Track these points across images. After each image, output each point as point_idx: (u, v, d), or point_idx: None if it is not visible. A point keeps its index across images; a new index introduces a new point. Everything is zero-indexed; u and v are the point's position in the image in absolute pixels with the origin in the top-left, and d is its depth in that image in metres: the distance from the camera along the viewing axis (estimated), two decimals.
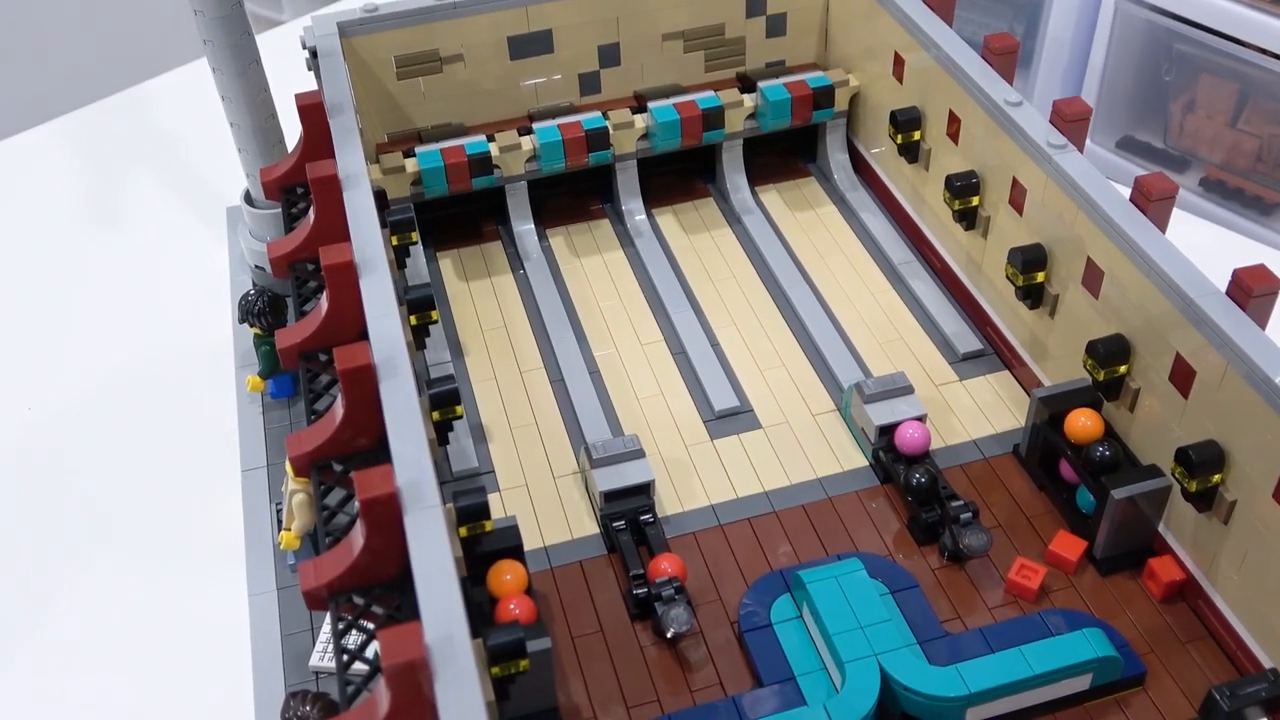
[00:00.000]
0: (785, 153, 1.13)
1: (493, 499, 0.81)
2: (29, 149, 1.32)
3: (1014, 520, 0.78)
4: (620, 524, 0.77)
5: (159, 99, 1.40)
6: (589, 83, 1.06)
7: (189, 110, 1.34)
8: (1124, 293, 0.75)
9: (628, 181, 1.06)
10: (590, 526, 0.79)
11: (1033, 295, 0.84)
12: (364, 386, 0.61)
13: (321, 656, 0.70)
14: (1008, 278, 0.85)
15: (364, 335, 0.65)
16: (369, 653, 0.54)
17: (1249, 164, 1.26)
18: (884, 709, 0.66)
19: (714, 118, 1.03)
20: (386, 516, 0.54)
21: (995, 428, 0.85)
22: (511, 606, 0.66)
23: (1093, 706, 0.68)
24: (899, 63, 0.99)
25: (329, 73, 0.88)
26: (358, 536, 0.55)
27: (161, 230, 1.19)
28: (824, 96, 1.05)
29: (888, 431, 0.81)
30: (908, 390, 0.83)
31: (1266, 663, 0.68)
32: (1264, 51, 1.21)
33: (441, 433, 0.76)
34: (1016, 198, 0.85)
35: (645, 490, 0.78)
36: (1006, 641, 0.68)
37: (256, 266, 0.99)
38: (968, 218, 0.91)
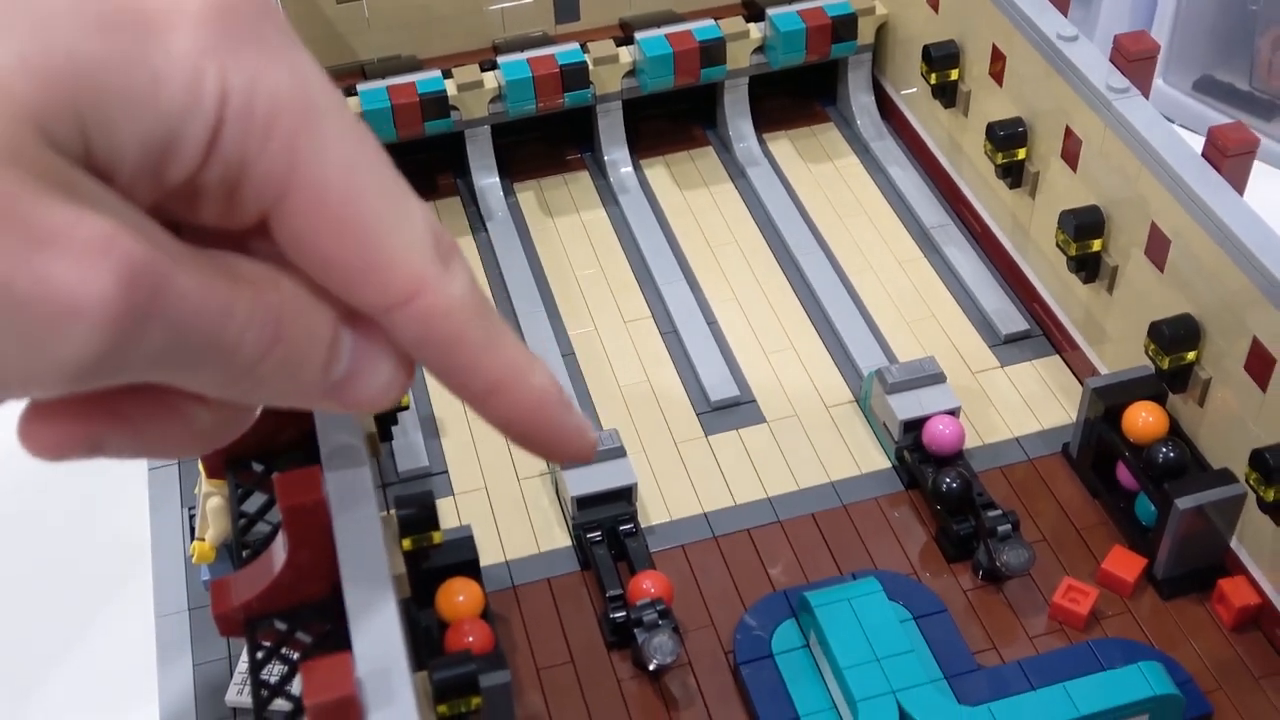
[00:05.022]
0: (799, 94, 1.13)
1: (444, 505, 0.81)
2: None
3: (1061, 533, 0.79)
4: (596, 535, 0.77)
5: None
6: (565, 7, 1.06)
7: None
8: (1194, 265, 0.75)
9: (611, 127, 1.06)
10: (560, 538, 0.80)
11: (1088, 266, 0.84)
12: None
13: (240, 690, 0.71)
14: (1058, 245, 0.85)
15: None
16: (293, 688, 0.54)
17: None
18: None
19: (714, 51, 1.03)
20: (314, 526, 0.54)
21: (1041, 423, 0.86)
22: (465, 633, 0.67)
23: None
24: None
25: None
26: (279, 550, 0.55)
27: None
28: (845, 27, 1.05)
29: (914, 427, 0.81)
30: (938, 378, 0.83)
31: None
32: None
33: (384, 425, 0.76)
34: (1070, 150, 0.85)
35: (626, 495, 0.79)
36: (1049, 676, 0.69)
37: None
38: (1013, 173, 0.91)
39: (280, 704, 0.54)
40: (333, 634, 0.55)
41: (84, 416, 0.37)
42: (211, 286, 0.35)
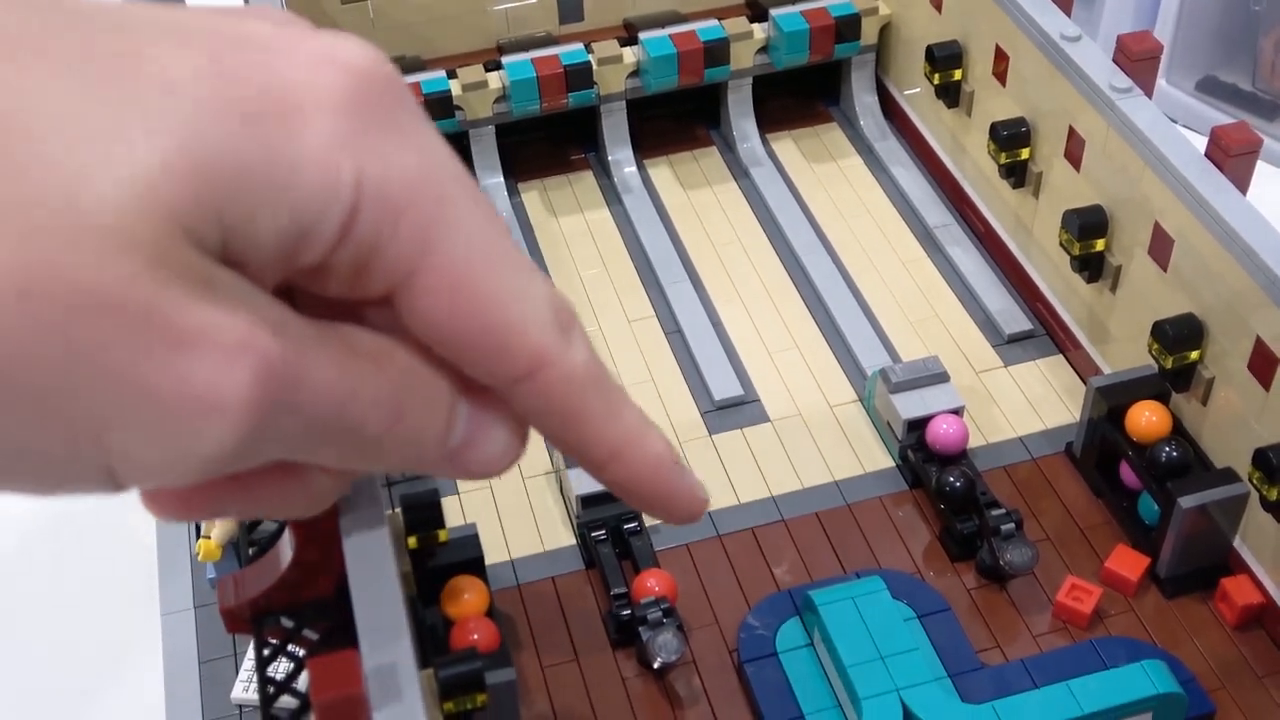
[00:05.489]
0: (802, 94, 1.13)
1: (449, 503, 0.81)
2: None
3: (1065, 532, 0.79)
4: (600, 534, 0.77)
5: None
6: (570, 8, 1.06)
7: None
8: (1198, 264, 0.75)
9: (615, 127, 1.06)
10: (565, 537, 0.80)
11: (1091, 266, 0.84)
12: None
13: (246, 687, 0.71)
14: (1062, 245, 0.85)
15: None
16: (300, 684, 0.54)
17: None
18: None
19: (718, 52, 1.03)
20: (320, 524, 0.54)
21: (1045, 423, 0.86)
22: (470, 631, 0.67)
23: None
24: None
25: None
26: (286, 547, 0.55)
27: None
28: (849, 27, 1.05)
29: (918, 426, 0.81)
30: (942, 378, 0.83)
31: None
32: None
33: None
34: (1073, 150, 0.85)
35: None
36: (1053, 675, 0.69)
37: None
38: (1016, 173, 0.91)
39: (287, 701, 0.54)
40: (339, 631, 0.55)
41: (210, 484, 0.38)
42: (339, 370, 0.36)
